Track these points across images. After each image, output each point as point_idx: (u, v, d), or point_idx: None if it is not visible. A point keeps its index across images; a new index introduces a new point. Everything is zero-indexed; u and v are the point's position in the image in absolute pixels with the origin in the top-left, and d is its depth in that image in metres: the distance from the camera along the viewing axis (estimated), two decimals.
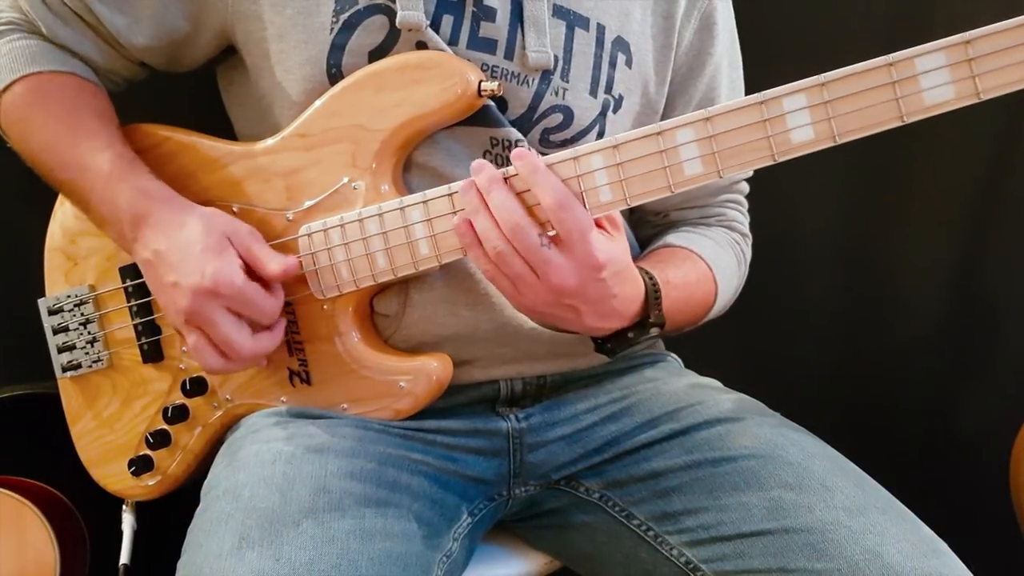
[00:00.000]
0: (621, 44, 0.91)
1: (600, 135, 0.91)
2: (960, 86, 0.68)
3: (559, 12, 0.87)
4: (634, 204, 0.76)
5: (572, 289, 0.76)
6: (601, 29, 0.89)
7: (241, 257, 0.83)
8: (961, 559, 0.75)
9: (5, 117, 0.91)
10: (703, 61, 0.97)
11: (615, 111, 0.91)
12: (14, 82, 0.90)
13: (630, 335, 0.83)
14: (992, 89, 0.67)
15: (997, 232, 1.36)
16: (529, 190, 0.76)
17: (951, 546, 0.76)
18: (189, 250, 0.81)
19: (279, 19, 0.86)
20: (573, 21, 0.88)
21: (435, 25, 0.84)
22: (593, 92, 0.89)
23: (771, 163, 0.72)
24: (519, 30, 0.86)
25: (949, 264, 1.38)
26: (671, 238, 0.97)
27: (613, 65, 0.90)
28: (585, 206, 0.77)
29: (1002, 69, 0.66)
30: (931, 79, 0.68)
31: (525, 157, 0.75)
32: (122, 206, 0.85)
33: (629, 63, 0.91)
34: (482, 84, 0.82)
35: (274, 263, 0.83)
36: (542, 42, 0.86)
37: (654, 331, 0.83)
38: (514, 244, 0.75)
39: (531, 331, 0.88)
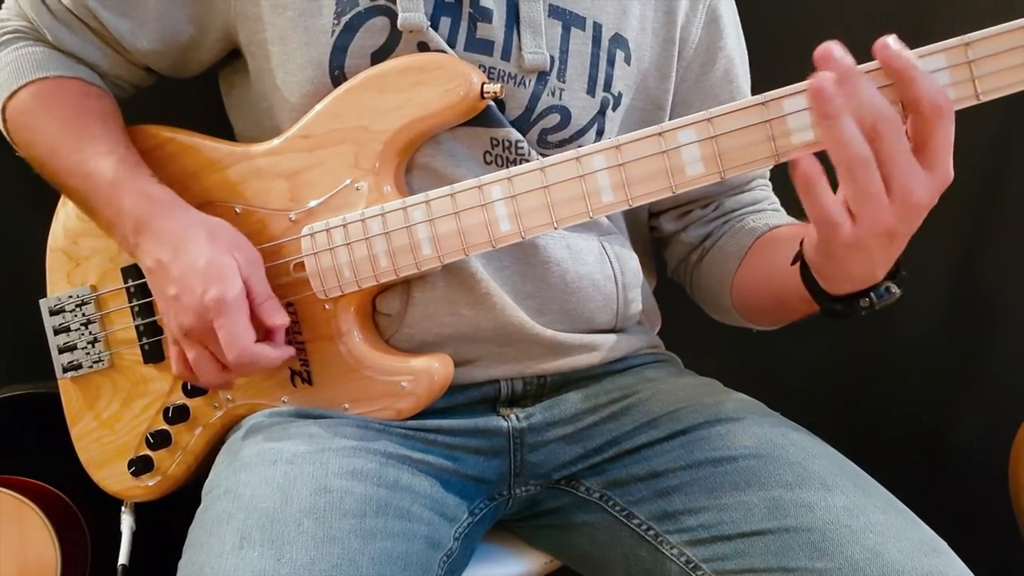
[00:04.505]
0: (619, 41, 0.91)
1: (599, 133, 0.91)
2: (959, 88, 0.68)
3: (555, 12, 0.88)
4: (636, 204, 0.76)
5: (919, 208, 0.67)
6: (598, 27, 0.90)
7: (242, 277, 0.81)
8: (961, 558, 0.75)
9: (12, 124, 0.91)
10: (714, 55, 0.98)
11: (614, 108, 0.92)
12: (19, 89, 0.90)
13: (893, 289, 0.76)
14: (992, 91, 0.68)
15: (997, 232, 1.37)
16: (891, 84, 0.67)
17: (951, 545, 0.76)
18: (193, 264, 0.80)
19: (280, 21, 0.86)
20: (569, 21, 0.88)
21: (433, 27, 0.84)
22: (591, 91, 0.90)
23: (773, 164, 0.72)
24: (515, 31, 0.86)
25: (949, 265, 1.39)
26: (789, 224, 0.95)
27: (611, 63, 0.91)
28: (589, 209, 0.77)
29: (1002, 71, 0.67)
30: None
31: (892, 47, 0.66)
32: (125, 210, 0.84)
33: (628, 60, 0.92)
34: (484, 86, 0.82)
35: (268, 314, 0.81)
36: (538, 43, 0.86)
37: (898, 292, 0.77)
38: (881, 151, 0.65)
39: (532, 331, 0.88)
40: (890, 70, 0.67)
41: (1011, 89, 0.67)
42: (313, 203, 0.86)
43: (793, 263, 0.81)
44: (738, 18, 1.02)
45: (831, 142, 0.66)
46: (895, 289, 0.76)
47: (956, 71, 0.68)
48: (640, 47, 0.93)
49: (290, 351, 0.85)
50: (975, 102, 0.68)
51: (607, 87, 0.91)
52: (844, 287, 0.77)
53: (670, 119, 0.95)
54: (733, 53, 0.99)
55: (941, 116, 0.66)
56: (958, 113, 0.68)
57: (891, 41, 0.66)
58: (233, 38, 0.91)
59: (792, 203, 0.95)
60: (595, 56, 0.90)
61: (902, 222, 0.68)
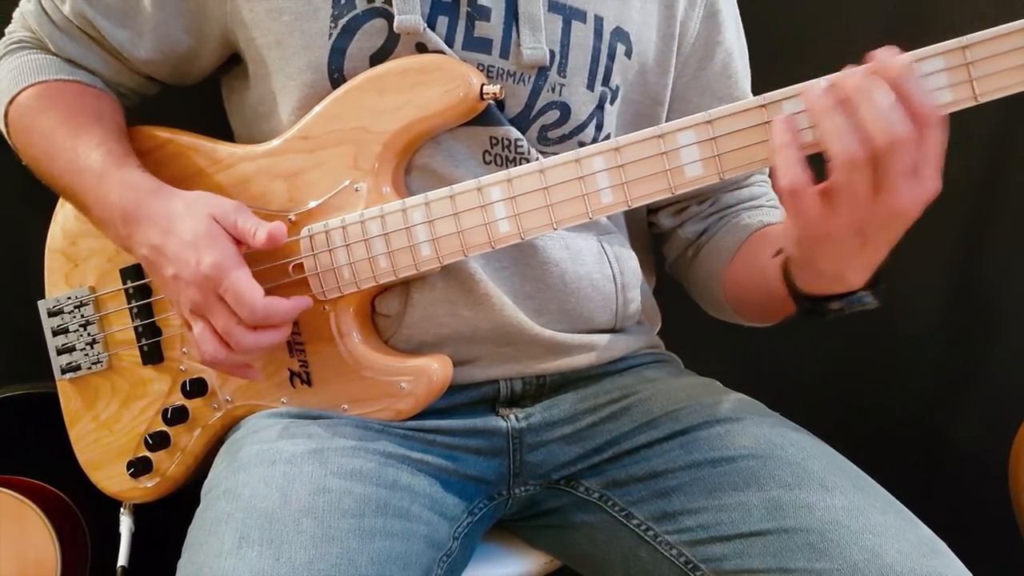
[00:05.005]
0: (620, 34, 0.91)
1: (598, 128, 0.91)
2: (957, 90, 0.68)
3: (555, 7, 0.88)
4: (635, 206, 0.76)
5: (899, 215, 0.68)
6: (599, 20, 0.89)
7: (231, 236, 0.81)
8: (960, 558, 0.75)
9: (13, 127, 0.92)
10: (712, 50, 0.98)
11: (612, 102, 0.92)
12: (20, 92, 0.91)
13: (866, 299, 0.77)
14: (990, 92, 0.68)
15: (997, 234, 1.37)
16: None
17: (950, 545, 0.76)
18: (181, 240, 0.80)
19: (276, 26, 0.86)
20: (570, 15, 0.88)
21: (430, 26, 0.84)
22: (590, 86, 0.90)
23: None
24: (514, 28, 0.86)
25: (949, 265, 1.39)
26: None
27: (612, 56, 0.90)
28: (588, 210, 0.77)
29: (1000, 73, 0.67)
30: (930, 83, 0.68)
31: (892, 56, 0.67)
32: (113, 203, 0.84)
33: (628, 53, 0.92)
34: (484, 88, 0.82)
35: (260, 232, 0.80)
36: (537, 38, 0.86)
37: (872, 303, 0.78)
38: (884, 159, 0.66)
39: (531, 331, 0.88)
40: (887, 79, 0.67)
41: (1009, 91, 0.67)
42: (312, 204, 0.86)
43: (775, 255, 0.81)
44: (738, 12, 1.02)
45: (826, 137, 0.67)
46: (868, 299, 0.77)
47: (954, 73, 0.68)
48: (641, 41, 0.93)
49: (305, 301, 0.83)
50: (973, 103, 0.68)
51: (605, 81, 0.91)
52: (815, 283, 0.78)
53: (667, 114, 0.96)
54: (732, 48, 0.99)
55: (926, 125, 0.66)
56: (959, 113, 0.69)
57: (886, 51, 0.67)
58: (232, 44, 0.91)
59: None
60: (596, 49, 0.89)
61: (878, 224, 0.69)
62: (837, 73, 0.69)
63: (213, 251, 0.79)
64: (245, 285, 0.78)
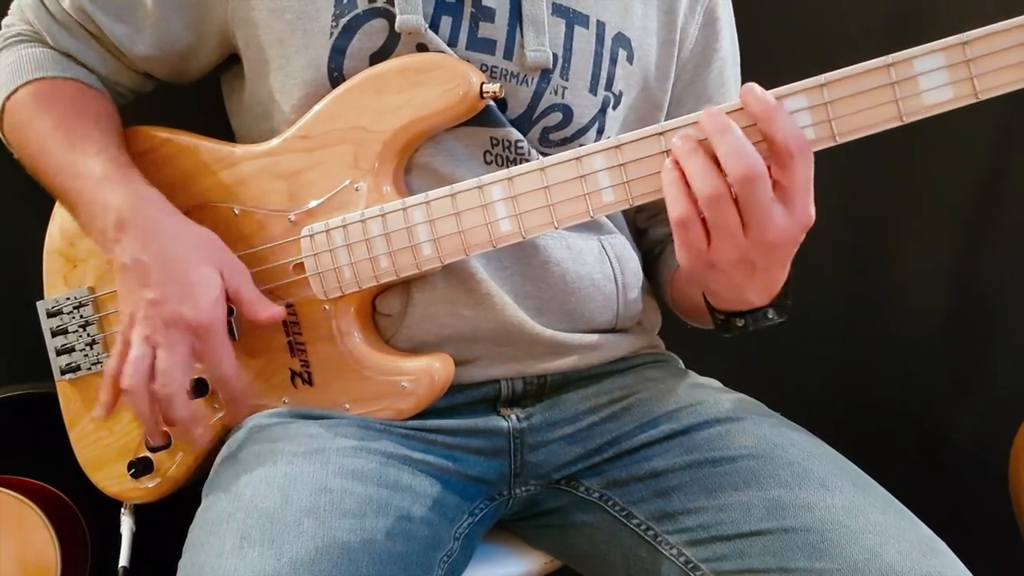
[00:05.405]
0: (622, 40, 0.91)
1: (600, 132, 0.91)
2: (958, 87, 0.68)
3: (558, 10, 0.88)
4: (637, 204, 0.76)
5: (777, 246, 0.72)
6: (601, 26, 0.90)
7: (228, 295, 0.82)
8: (960, 558, 0.75)
9: (8, 123, 0.92)
10: (709, 57, 0.98)
11: (614, 107, 0.92)
12: (17, 88, 0.90)
13: (770, 315, 0.81)
14: (990, 89, 0.68)
15: (997, 234, 1.37)
16: (755, 124, 0.71)
17: (950, 545, 0.76)
18: (178, 273, 0.80)
19: (278, 24, 0.86)
20: (573, 19, 0.88)
21: (434, 27, 0.84)
22: (593, 90, 0.90)
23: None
24: (518, 30, 0.86)
25: (949, 265, 1.39)
26: None
27: (614, 61, 0.91)
28: (590, 209, 0.77)
29: (1000, 70, 0.67)
30: (930, 80, 0.69)
31: (755, 92, 0.71)
32: (110, 204, 0.83)
33: (630, 59, 0.92)
34: (484, 86, 0.82)
35: (262, 310, 0.83)
36: (541, 41, 0.86)
37: (777, 319, 0.82)
38: (740, 193, 0.70)
39: (532, 331, 0.88)
40: (751, 113, 0.70)
41: (1009, 87, 0.68)
42: (313, 204, 0.86)
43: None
44: (734, 21, 1.02)
45: (691, 178, 0.71)
46: (772, 315, 0.82)
47: (954, 70, 0.68)
48: (643, 47, 0.93)
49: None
50: (974, 100, 0.68)
51: (608, 86, 0.91)
52: (718, 302, 0.83)
53: (665, 119, 0.96)
54: (727, 55, 1.00)
55: (792, 156, 0.69)
56: (961, 112, 0.69)
57: (755, 86, 0.71)
58: (231, 43, 0.91)
59: None
60: (598, 54, 0.90)
61: (759, 254, 0.73)
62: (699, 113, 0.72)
63: (209, 311, 0.80)
64: (230, 360, 0.82)
